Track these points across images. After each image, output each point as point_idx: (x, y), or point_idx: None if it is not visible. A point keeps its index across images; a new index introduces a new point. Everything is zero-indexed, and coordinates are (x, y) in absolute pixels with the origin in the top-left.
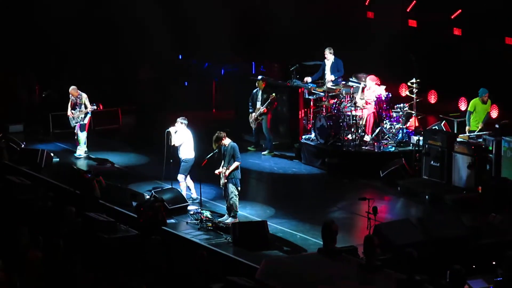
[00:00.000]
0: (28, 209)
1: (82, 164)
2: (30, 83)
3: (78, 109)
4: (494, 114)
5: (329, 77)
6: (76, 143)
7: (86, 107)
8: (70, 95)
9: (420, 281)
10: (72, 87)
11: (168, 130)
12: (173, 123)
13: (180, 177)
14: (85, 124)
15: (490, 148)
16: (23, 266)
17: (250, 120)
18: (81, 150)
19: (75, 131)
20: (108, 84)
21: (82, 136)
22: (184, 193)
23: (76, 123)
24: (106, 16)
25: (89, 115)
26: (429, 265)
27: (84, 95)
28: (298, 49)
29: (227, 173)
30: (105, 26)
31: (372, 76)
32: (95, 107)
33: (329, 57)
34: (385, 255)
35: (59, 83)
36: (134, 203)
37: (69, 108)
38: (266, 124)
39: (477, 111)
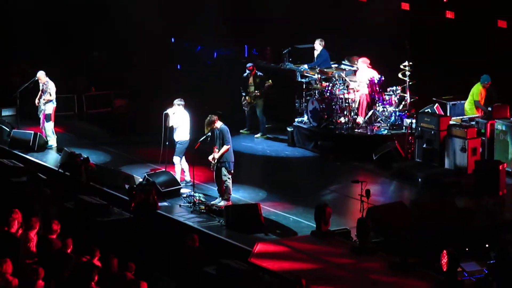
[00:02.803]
0: (21, 192)
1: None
2: (24, 67)
3: (43, 96)
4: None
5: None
6: (42, 132)
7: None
8: (39, 81)
9: (412, 264)
10: (40, 71)
11: (165, 112)
12: (169, 105)
13: (176, 159)
14: (50, 114)
15: (483, 131)
16: (17, 248)
17: (243, 103)
18: (53, 140)
19: (41, 121)
20: (101, 68)
21: (49, 127)
22: (179, 175)
23: (40, 112)
24: None
25: (53, 105)
26: (422, 248)
27: (52, 84)
28: (291, 32)
29: (216, 156)
30: (97, 9)
31: (364, 58)
32: (55, 105)
33: (317, 48)
34: (378, 238)
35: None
36: (126, 186)
37: (38, 96)
38: (261, 107)
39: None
